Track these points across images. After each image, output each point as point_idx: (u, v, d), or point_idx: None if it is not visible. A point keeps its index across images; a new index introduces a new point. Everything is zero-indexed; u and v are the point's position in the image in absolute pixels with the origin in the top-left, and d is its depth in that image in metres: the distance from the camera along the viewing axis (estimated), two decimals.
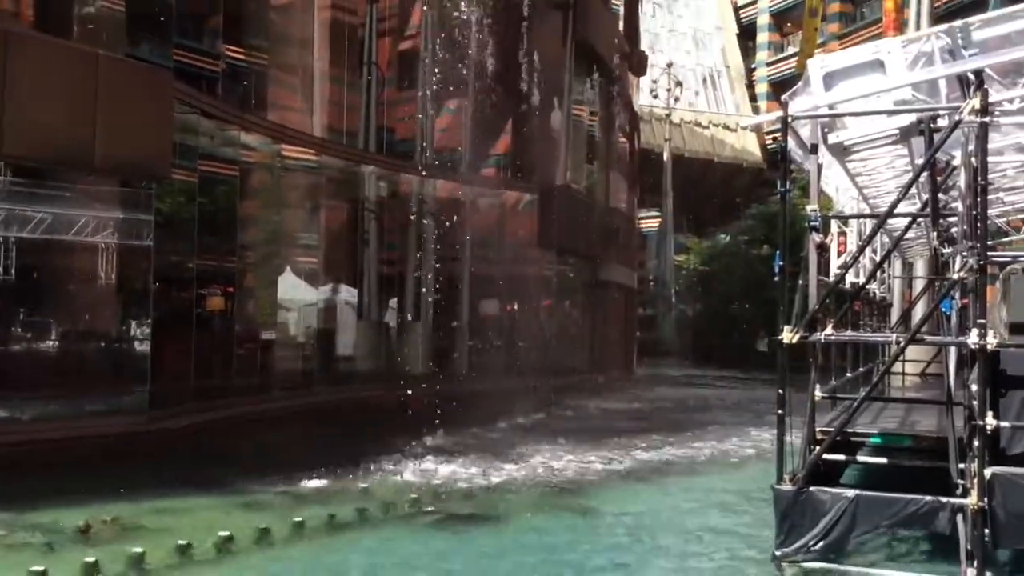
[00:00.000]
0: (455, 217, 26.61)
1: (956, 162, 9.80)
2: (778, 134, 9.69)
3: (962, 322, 9.28)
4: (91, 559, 8.57)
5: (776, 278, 10.03)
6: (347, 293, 24.22)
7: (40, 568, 8.24)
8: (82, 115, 14.12)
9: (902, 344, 9.98)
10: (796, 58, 53.54)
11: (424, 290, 25.41)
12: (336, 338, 23.75)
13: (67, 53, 14.62)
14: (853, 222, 15.21)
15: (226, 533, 9.57)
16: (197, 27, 20.23)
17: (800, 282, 10.07)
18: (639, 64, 38.12)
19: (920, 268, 22.58)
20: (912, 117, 9.79)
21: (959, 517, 8.33)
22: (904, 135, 10.34)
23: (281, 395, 20.39)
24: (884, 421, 11.63)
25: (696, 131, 59.65)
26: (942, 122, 9.26)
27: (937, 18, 24.76)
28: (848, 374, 14.56)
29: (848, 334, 12.10)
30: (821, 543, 8.78)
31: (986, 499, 8.14)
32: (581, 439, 17.55)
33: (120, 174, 15.86)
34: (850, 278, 13.75)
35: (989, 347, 8.25)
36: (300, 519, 10.47)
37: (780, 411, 9.34)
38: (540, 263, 28.98)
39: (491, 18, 26.87)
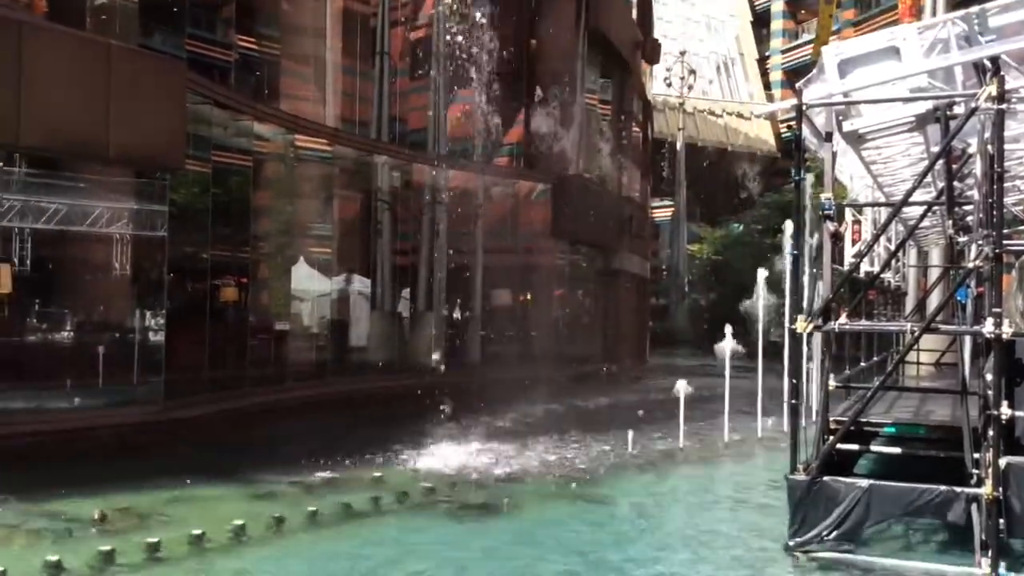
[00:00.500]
0: (468, 207, 26.62)
1: (972, 150, 9.72)
2: (792, 122, 9.65)
3: (977, 311, 9.22)
4: (106, 548, 8.63)
5: (790, 267, 9.99)
6: (360, 283, 24.26)
7: (55, 557, 8.31)
8: (96, 106, 14.16)
9: (917, 333, 9.91)
10: (811, 45, 53.27)
11: (437, 280, 25.42)
12: (349, 329, 23.80)
13: (81, 44, 14.65)
14: (868, 210, 15.14)
15: (240, 522, 9.63)
16: (210, 17, 20.27)
17: (814, 271, 10.04)
18: (652, 52, 37.92)
19: (935, 257, 22.42)
20: (928, 104, 9.72)
21: (973, 507, 8.30)
22: (920, 123, 10.27)
23: (295, 385, 20.46)
24: (898, 411, 11.58)
25: (710, 119, 59.36)
26: (958, 109, 9.19)
27: (954, 4, 24.49)
28: (862, 363, 14.49)
29: (862, 323, 12.05)
30: (835, 533, 8.75)
31: (1001, 489, 8.09)
32: (592, 430, 17.54)
33: (134, 165, 15.91)
34: (865, 267, 13.68)
35: (1005, 336, 8.19)
36: (314, 508, 10.52)
37: (793, 401, 9.32)
38: (553, 252, 28.96)
39: (503, 7, 26.81)
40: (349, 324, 23.83)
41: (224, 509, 10.68)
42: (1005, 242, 8.95)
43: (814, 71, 9.96)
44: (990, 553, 8.06)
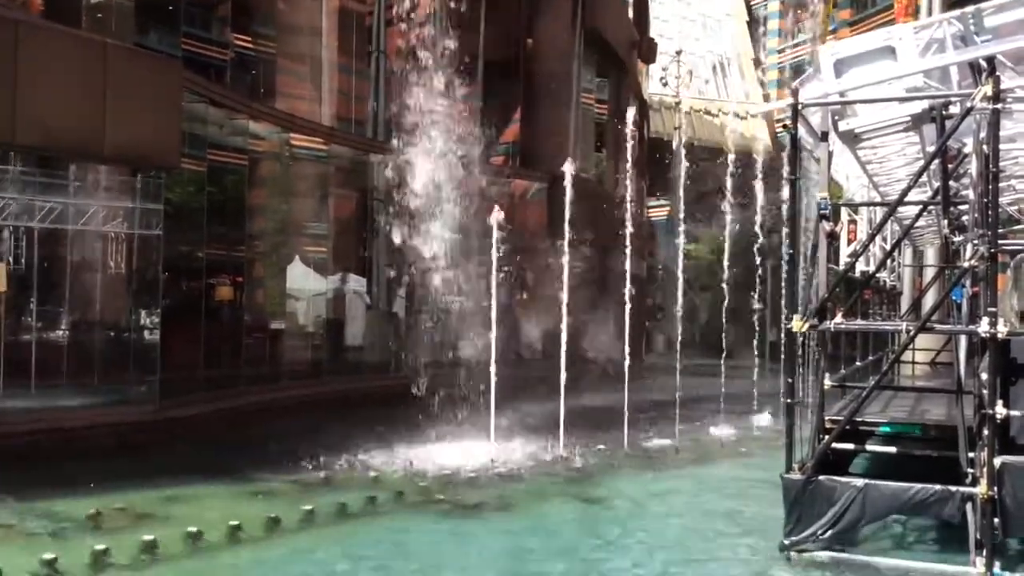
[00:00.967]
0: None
1: (967, 149, 9.74)
2: (788, 121, 9.65)
3: (972, 310, 9.24)
4: (101, 547, 8.62)
5: (786, 267, 10.00)
6: (356, 283, 24.24)
7: (51, 556, 8.30)
8: (92, 105, 14.14)
9: (912, 332, 9.93)
10: (806, 45, 53.34)
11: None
12: (345, 328, 23.79)
13: (77, 43, 14.63)
14: (863, 210, 15.16)
15: (236, 522, 9.62)
16: (205, 16, 20.26)
17: (810, 270, 10.05)
18: (648, 52, 37.92)
19: (931, 256, 22.47)
20: (923, 104, 9.73)
21: (968, 506, 8.31)
22: (915, 122, 10.28)
23: (290, 384, 20.45)
24: (894, 410, 11.60)
25: (706, 119, 59.39)
26: (954, 109, 9.20)
27: (950, 4, 24.54)
28: (858, 362, 14.52)
29: (858, 322, 12.07)
30: (830, 532, 8.76)
31: (995, 488, 8.11)
32: (589, 428, 17.54)
33: (130, 163, 15.89)
34: (860, 266, 13.70)
35: (1000, 335, 8.20)
36: (310, 507, 10.51)
37: (789, 400, 9.33)
38: (549, 252, 28.93)
39: (500, 5, 26.82)
40: (345, 323, 23.83)
41: (220, 508, 10.68)
42: (1000, 242, 8.97)
43: (810, 71, 9.97)
44: (985, 552, 8.07)
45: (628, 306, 19.91)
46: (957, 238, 11.78)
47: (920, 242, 21.39)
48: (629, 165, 29.47)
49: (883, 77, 9.49)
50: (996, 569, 8.07)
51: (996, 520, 8.14)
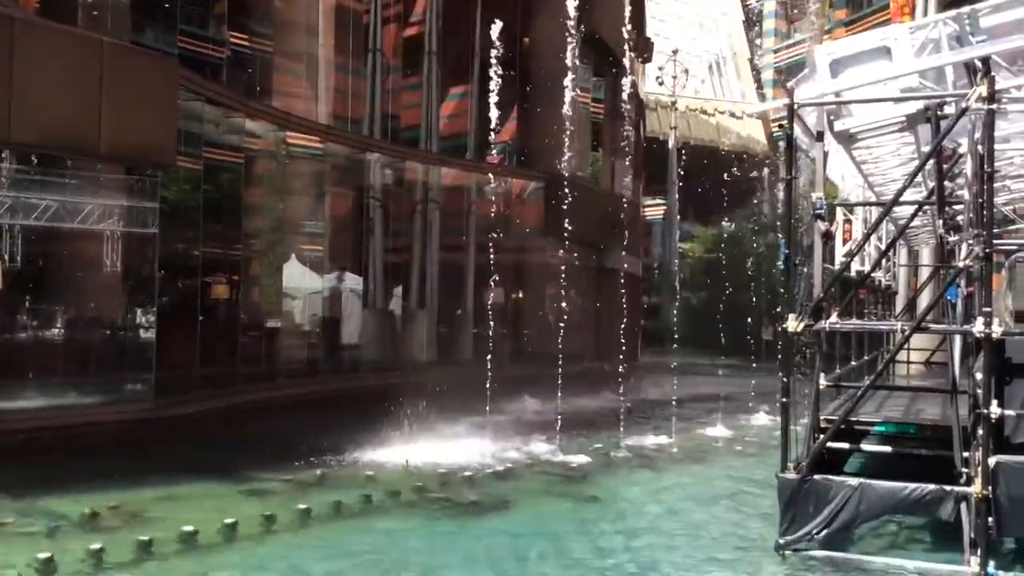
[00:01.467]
0: (460, 205, 26.64)
1: (963, 149, 9.76)
2: (784, 121, 9.66)
3: (967, 310, 9.26)
4: (97, 546, 8.61)
5: (782, 266, 10.00)
6: (352, 281, 24.24)
7: (47, 554, 8.29)
8: (87, 102, 14.12)
9: (907, 332, 9.96)
10: (802, 45, 53.43)
11: (429, 278, 25.43)
12: (341, 326, 23.79)
13: (72, 40, 14.60)
14: (859, 210, 15.18)
15: (232, 520, 9.61)
16: (202, 14, 20.23)
17: (805, 270, 10.06)
18: (645, 50, 37.94)
19: (926, 256, 22.51)
20: (919, 104, 9.75)
21: (963, 505, 8.33)
22: (910, 122, 10.30)
23: (286, 383, 20.45)
24: (889, 409, 11.63)
25: (702, 118, 59.43)
26: (949, 109, 9.22)
27: (945, 4, 24.59)
28: (853, 362, 14.55)
29: (853, 322, 12.08)
30: (825, 531, 8.78)
31: (990, 487, 8.13)
32: (585, 427, 17.57)
33: (125, 161, 15.88)
34: (855, 266, 13.72)
35: (994, 335, 8.23)
36: (306, 506, 10.51)
37: (784, 399, 9.34)
38: (545, 250, 28.95)
39: (497, 5, 26.79)
40: (341, 321, 23.83)
41: (215, 507, 10.67)
42: (995, 242, 8.99)
43: (806, 71, 9.99)
44: (979, 552, 8.10)
45: (624, 305, 19.82)
46: (952, 238, 11.79)
47: (915, 242, 21.43)
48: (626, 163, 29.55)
49: (879, 77, 9.51)
50: (991, 568, 8.10)
51: (991, 519, 8.17)
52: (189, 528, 9.31)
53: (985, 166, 8.44)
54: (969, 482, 8.32)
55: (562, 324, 28.63)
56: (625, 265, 35.26)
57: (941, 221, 10.34)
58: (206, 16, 20.57)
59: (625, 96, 32.97)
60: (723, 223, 53.44)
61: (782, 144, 10.27)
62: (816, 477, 8.94)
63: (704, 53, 62.57)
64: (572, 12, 28.78)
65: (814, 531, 8.80)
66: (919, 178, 11.33)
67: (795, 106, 9.54)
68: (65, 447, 13.21)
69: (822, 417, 9.68)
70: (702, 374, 33.83)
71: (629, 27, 35.29)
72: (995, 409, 8.21)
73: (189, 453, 14.05)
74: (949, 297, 11.95)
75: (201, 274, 18.56)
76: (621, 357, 30.98)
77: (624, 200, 35.86)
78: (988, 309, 8.28)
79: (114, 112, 14.32)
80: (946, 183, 10.31)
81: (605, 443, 15.99)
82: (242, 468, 12.93)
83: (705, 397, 24.73)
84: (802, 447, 9.42)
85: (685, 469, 14.46)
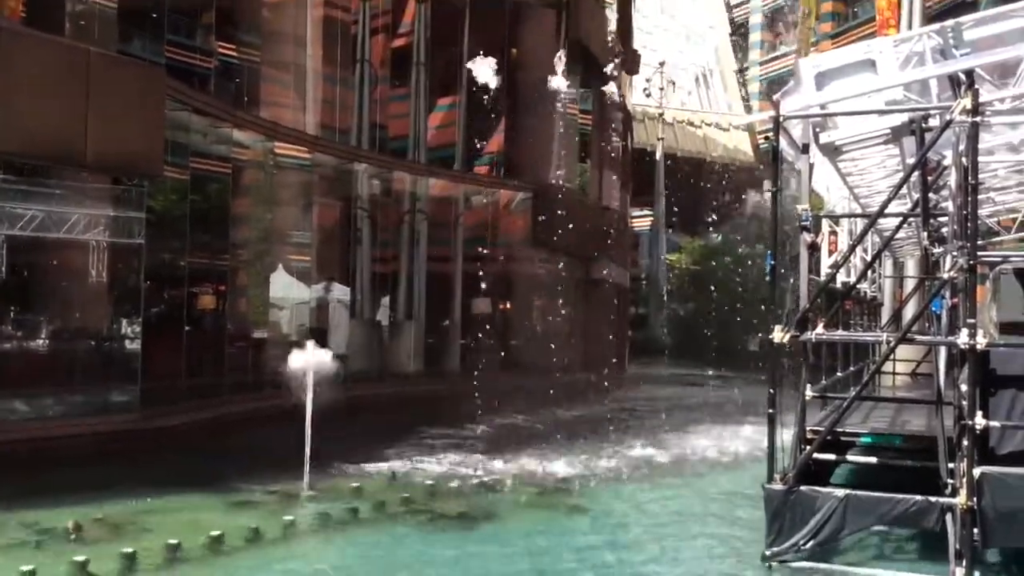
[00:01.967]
0: (448, 215, 26.64)
1: (947, 162, 9.82)
2: (770, 133, 9.71)
3: (952, 322, 9.31)
4: (80, 558, 8.55)
5: (768, 277, 10.04)
6: (339, 291, 24.18)
7: (30, 567, 8.22)
8: (74, 112, 14.06)
9: (892, 343, 10.01)
10: (788, 57, 53.73)
11: (416, 288, 25.41)
12: (328, 337, 23.71)
13: (59, 49, 14.55)
14: (844, 221, 15.25)
15: (217, 532, 9.56)
16: (190, 24, 20.19)
17: (791, 281, 10.09)
18: (632, 63, 38.10)
19: (911, 268, 22.63)
20: (903, 117, 9.82)
21: (948, 516, 8.36)
22: (895, 135, 10.38)
23: (273, 393, 20.31)
24: (874, 421, 11.66)
25: (689, 130, 59.63)
26: (933, 122, 9.29)
27: (929, 18, 24.80)
28: (839, 373, 14.59)
29: (839, 333, 12.12)
30: (811, 542, 8.80)
31: (975, 498, 8.16)
32: (572, 437, 17.56)
33: (112, 171, 15.81)
34: (841, 277, 13.78)
35: (979, 347, 8.27)
36: (291, 518, 10.47)
37: (771, 410, 9.36)
38: (533, 261, 28.98)
39: (484, 16, 26.90)
40: (328, 332, 23.75)
41: (201, 519, 10.62)
42: (979, 254, 9.06)
43: (791, 83, 10.04)
44: (965, 563, 8.12)
45: (611, 315, 19.85)
46: (937, 250, 11.87)
47: (900, 253, 21.54)
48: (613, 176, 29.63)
49: (863, 90, 9.57)
50: None
51: (976, 530, 8.19)
52: (174, 541, 9.25)
53: (969, 178, 8.51)
54: (954, 493, 8.35)
55: (550, 335, 28.72)
56: (612, 276, 35.36)
57: (926, 233, 10.41)
58: (194, 26, 20.52)
59: (612, 107, 33.15)
60: (710, 234, 53.61)
61: (768, 156, 10.33)
62: (802, 488, 8.96)
63: (691, 65, 62.83)
64: (559, 24, 28.98)
65: (801, 542, 8.82)
66: (904, 190, 11.40)
67: (781, 118, 9.59)
68: (50, 458, 13.11)
69: (808, 428, 9.70)
70: (689, 384, 33.90)
71: (616, 39, 35.51)
72: (980, 420, 8.25)
73: (175, 464, 13.96)
74: (934, 309, 12.03)
75: (188, 284, 18.48)
76: (608, 368, 31.05)
77: (611, 211, 36.00)
78: (972, 321, 8.33)
79: (101, 122, 14.27)
80: (931, 195, 10.39)
81: (592, 454, 15.96)
82: (228, 480, 12.87)
83: (691, 407, 24.79)
84: (788, 458, 9.44)
85: (671, 480, 14.46)
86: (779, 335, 9.22)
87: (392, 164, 25.36)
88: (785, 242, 10.58)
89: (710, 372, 37.35)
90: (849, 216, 14.86)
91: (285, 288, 22.58)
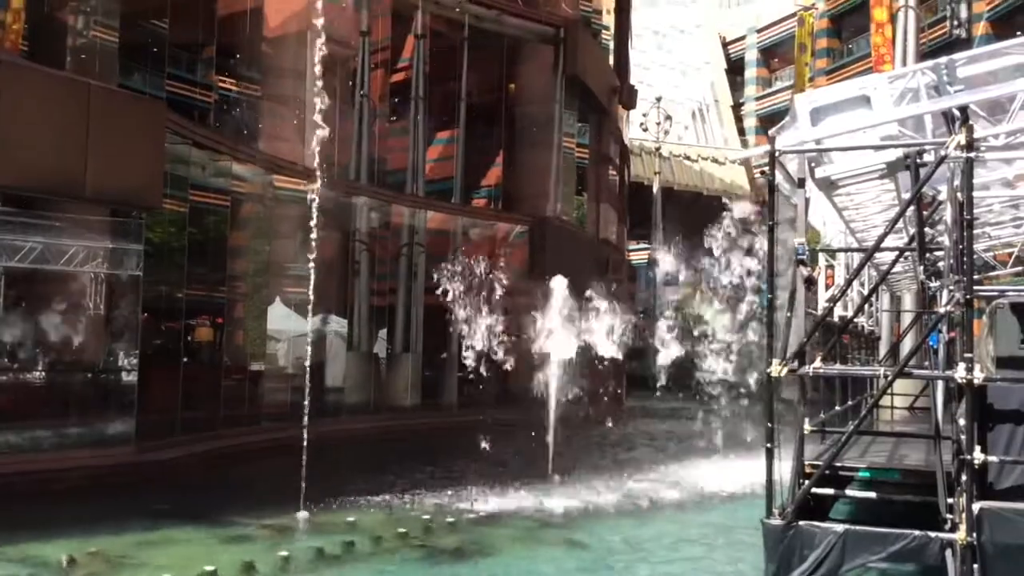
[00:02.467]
0: (446, 248, 26.69)
1: (942, 196, 9.89)
2: (766, 168, 9.76)
3: (949, 356, 9.32)
4: None
5: (764, 311, 10.04)
6: (337, 324, 24.17)
7: None
8: (74, 145, 14.15)
9: (890, 378, 10.00)
10: (784, 93, 54.16)
11: (414, 321, 25.40)
12: (326, 369, 23.67)
13: (59, 83, 14.68)
14: (841, 256, 15.29)
15: (211, 568, 9.48)
16: (190, 58, 20.38)
17: (788, 315, 10.09)
18: (629, 97, 38.41)
19: (908, 302, 22.68)
20: (898, 152, 9.86)
21: (948, 552, 8.31)
22: (890, 170, 10.41)
23: (269, 427, 20.27)
24: (873, 455, 11.63)
25: (685, 164, 59.96)
26: (928, 157, 9.34)
27: (923, 55, 25.06)
28: (837, 407, 14.56)
29: (836, 367, 12.11)
30: None
31: (975, 534, 8.12)
32: (570, 471, 17.47)
33: (111, 204, 15.88)
34: (838, 311, 13.80)
35: (976, 381, 8.26)
36: (286, 553, 10.39)
37: (769, 445, 9.33)
38: (531, 294, 28.98)
39: (482, 51, 27.15)
40: (325, 365, 23.71)
41: (196, 552, 10.54)
42: (976, 288, 9.08)
43: (787, 118, 10.12)
44: None
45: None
46: (933, 284, 11.91)
47: (897, 287, 21.59)
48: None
49: (858, 125, 9.63)
50: None
51: (976, 566, 8.14)
52: (168, 575, 9.18)
53: (965, 213, 8.54)
54: (954, 529, 8.31)
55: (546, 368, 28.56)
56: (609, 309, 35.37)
57: (922, 267, 10.45)
58: (194, 60, 20.72)
59: (610, 140, 33.33)
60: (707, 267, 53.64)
61: (765, 190, 10.39)
62: (801, 523, 8.90)
63: (687, 100, 63.33)
64: (556, 60, 29.24)
65: None
66: (900, 224, 11.45)
67: (776, 153, 9.65)
68: (44, 491, 13.04)
69: (807, 462, 9.67)
70: (685, 418, 33.78)
71: (613, 74, 35.81)
72: (978, 455, 8.23)
73: (170, 498, 13.88)
74: (931, 342, 12.04)
75: (185, 316, 18.49)
76: (606, 401, 30.92)
77: (609, 244, 36.11)
78: (970, 355, 8.33)
79: (101, 155, 14.36)
80: (927, 229, 10.43)
81: (590, 488, 15.88)
82: (223, 513, 12.78)
83: (688, 436, 24.73)
84: (787, 493, 9.39)
85: (669, 515, 14.36)
86: (776, 369, 9.22)
87: (391, 197, 25.48)
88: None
89: (707, 405, 37.26)
90: (845, 250, 14.90)
91: (283, 320, 22.57)
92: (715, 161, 60.50)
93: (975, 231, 9.10)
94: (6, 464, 13.90)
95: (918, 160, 9.48)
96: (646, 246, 57.67)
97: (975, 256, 9.70)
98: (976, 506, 8.17)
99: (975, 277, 9.04)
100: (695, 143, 61.67)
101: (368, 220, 25.15)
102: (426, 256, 25.93)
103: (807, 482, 9.30)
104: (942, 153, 8.65)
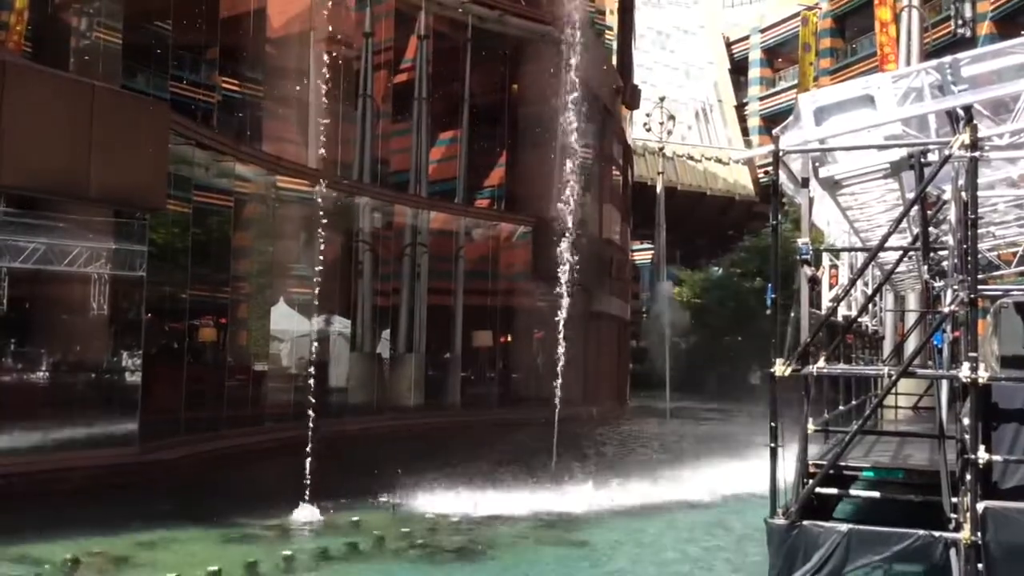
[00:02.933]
0: (449, 248, 26.71)
1: (946, 196, 9.85)
2: (770, 168, 9.75)
3: (954, 355, 9.29)
4: None
5: (768, 311, 10.02)
6: (340, 324, 24.17)
7: None
8: (78, 146, 14.16)
9: (894, 377, 9.97)
10: (787, 92, 54.11)
11: (417, 321, 25.40)
12: (329, 370, 23.68)
13: (64, 85, 14.70)
14: (845, 255, 15.23)
15: (215, 568, 9.48)
16: (194, 59, 20.39)
17: (792, 315, 10.07)
18: (632, 98, 38.39)
19: (912, 301, 22.62)
20: (902, 152, 9.84)
21: (952, 552, 8.29)
22: (894, 169, 10.39)
23: (273, 427, 20.28)
24: (877, 454, 11.60)
25: (689, 164, 59.97)
26: (932, 157, 9.32)
27: (927, 54, 25.02)
28: (841, 407, 14.53)
29: (840, 367, 12.08)
30: None
31: (979, 533, 8.09)
32: (573, 472, 17.45)
33: (115, 205, 15.89)
34: (842, 311, 13.76)
35: (981, 381, 8.24)
36: (290, 552, 10.39)
37: (772, 444, 9.31)
38: (534, 294, 29.02)
39: (486, 52, 27.16)
40: (328, 365, 23.72)
41: (199, 552, 10.55)
42: (980, 287, 9.04)
43: (791, 118, 10.10)
44: None
45: (612, 348, 19.82)
46: (937, 283, 11.87)
47: (901, 287, 21.54)
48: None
49: (862, 125, 9.60)
50: None
51: (980, 566, 8.12)
52: (171, 575, 9.18)
53: (969, 212, 8.52)
54: (958, 528, 8.28)
55: (550, 368, 28.63)
56: (613, 309, 35.38)
57: (926, 267, 10.42)
58: (198, 62, 20.73)
59: (613, 141, 33.29)
60: (711, 268, 53.69)
61: (769, 190, 10.38)
62: (805, 523, 8.88)
63: (691, 100, 63.32)
64: (561, 60, 29.20)
65: None
66: (904, 224, 11.42)
67: (780, 153, 9.62)
68: (48, 491, 13.05)
69: (811, 462, 9.65)
70: (689, 418, 33.78)
71: (617, 75, 35.79)
72: (983, 454, 8.20)
73: (173, 498, 13.89)
74: (936, 342, 12.00)
75: (188, 317, 18.50)
76: (609, 402, 30.90)
77: (612, 244, 36.10)
78: (974, 354, 8.30)
79: (104, 156, 14.36)
80: (931, 229, 10.40)
81: (592, 488, 15.85)
82: (227, 513, 12.78)
83: (692, 439, 24.70)
84: (791, 492, 9.37)
85: (673, 515, 14.35)
86: (780, 369, 9.20)
87: (393, 198, 25.49)
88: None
89: (712, 405, 37.31)
90: (849, 250, 14.85)
91: (286, 321, 22.58)
92: (719, 161, 60.51)
93: (979, 231, 9.08)
94: (10, 464, 13.90)
95: (922, 160, 9.45)
96: (649, 246, 57.67)
97: (979, 256, 9.66)
98: (980, 506, 8.15)
99: (979, 277, 8.99)
100: (698, 143, 61.68)
101: (371, 220, 25.16)
102: (429, 256, 25.93)
103: (811, 481, 9.28)
104: (946, 153, 8.63)
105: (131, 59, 17.55)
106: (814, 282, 10.53)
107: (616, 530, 12.93)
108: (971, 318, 8.41)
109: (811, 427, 9.61)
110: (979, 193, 8.77)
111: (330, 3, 23.00)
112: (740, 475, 16.45)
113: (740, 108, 63.86)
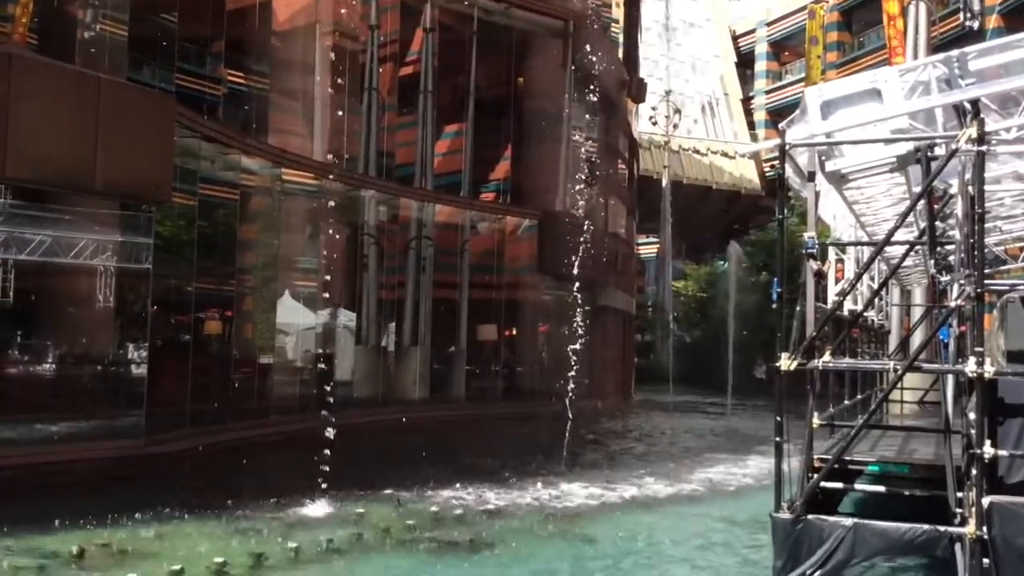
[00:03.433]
0: (454, 242, 26.71)
1: (953, 190, 9.83)
2: (776, 161, 9.72)
3: (960, 350, 9.27)
4: None
5: (774, 305, 10.02)
6: (346, 317, 24.20)
7: None
8: (84, 138, 14.17)
9: (900, 372, 9.96)
10: (794, 86, 53.95)
11: (423, 314, 25.42)
12: (334, 363, 23.71)
13: (70, 77, 14.69)
14: (851, 249, 15.22)
15: (221, 559, 9.52)
16: (199, 52, 20.39)
17: (798, 309, 10.05)
18: (638, 91, 38.33)
19: (918, 296, 22.60)
20: (909, 145, 9.83)
21: (957, 546, 8.29)
22: (901, 163, 10.38)
23: (278, 420, 20.32)
24: (882, 449, 11.60)
25: (695, 158, 59.85)
26: (939, 151, 9.29)
27: (934, 48, 24.93)
28: (846, 401, 14.53)
29: (846, 361, 12.08)
30: (819, 572, 8.71)
31: (984, 528, 8.09)
32: (578, 466, 17.48)
33: (121, 197, 15.90)
34: (848, 305, 13.75)
35: (987, 375, 8.23)
36: (295, 545, 10.41)
37: (778, 438, 9.31)
38: (539, 288, 29.03)
39: (492, 45, 27.11)
40: (334, 358, 23.75)
41: (205, 544, 10.57)
42: (987, 282, 9.02)
43: (797, 112, 10.07)
44: None
45: (617, 342, 19.83)
46: (944, 278, 11.84)
47: (907, 281, 21.51)
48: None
49: (869, 119, 9.59)
50: None
51: (986, 560, 8.11)
52: (177, 567, 9.21)
53: (976, 207, 8.50)
54: (963, 522, 8.28)
55: (555, 362, 28.67)
56: (618, 303, 35.37)
57: (933, 261, 10.41)
58: (204, 54, 20.73)
59: (619, 134, 33.21)
60: (717, 262, 53.62)
61: (775, 183, 10.36)
62: (810, 517, 8.88)
63: (696, 94, 63.15)
64: (566, 53, 29.17)
65: (808, 571, 8.72)
66: (911, 218, 11.40)
67: (786, 147, 9.61)
68: (54, 483, 13.09)
69: (816, 456, 9.65)
70: (694, 412, 33.76)
71: (622, 68, 35.71)
72: (988, 449, 8.19)
73: (179, 490, 13.91)
74: (942, 337, 11.98)
75: (194, 310, 18.51)
76: (614, 395, 30.89)
77: (618, 238, 36.07)
78: (980, 349, 8.29)
79: (110, 148, 14.37)
80: (937, 223, 10.38)
81: (598, 482, 15.88)
82: (233, 505, 12.81)
83: (698, 432, 24.71)
84: (796, 486, 9.38)
85: (679, 509, 14.36)
86: (786, 363, 9.19)
87: (399, 191, 25.49)
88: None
89: (716, 399, 37.26)
90: (856, 244, 14.84)
91: (291, 314, 22.62)
92: (725, 155, 60.39)
93: (986, 225, 9.07)
94: (16, 456, 13.95)
95: (929, 154, 9.43)
96: (655, 240, 57.61)
97: (986, 250, 9.65)
98: (986, 500, 8.14)
99: (986, 271, 8.99)
100: (704, 137, 61.53)
101: (376, 213, 25.17)
102: (434, 249, 25.94)
103: (816, 476, 9.28)
104: (953, 147, 8.60)
105: (137, 51, 17.54)
106: (820, 276, 10.52)
107: (621, 526, 12.94)
108: (977, 312, 8.39)
109: (816, 421, 9.61)
110: (986, 187, 8.75)
111: None
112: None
113: (746, 102, 63.69)
